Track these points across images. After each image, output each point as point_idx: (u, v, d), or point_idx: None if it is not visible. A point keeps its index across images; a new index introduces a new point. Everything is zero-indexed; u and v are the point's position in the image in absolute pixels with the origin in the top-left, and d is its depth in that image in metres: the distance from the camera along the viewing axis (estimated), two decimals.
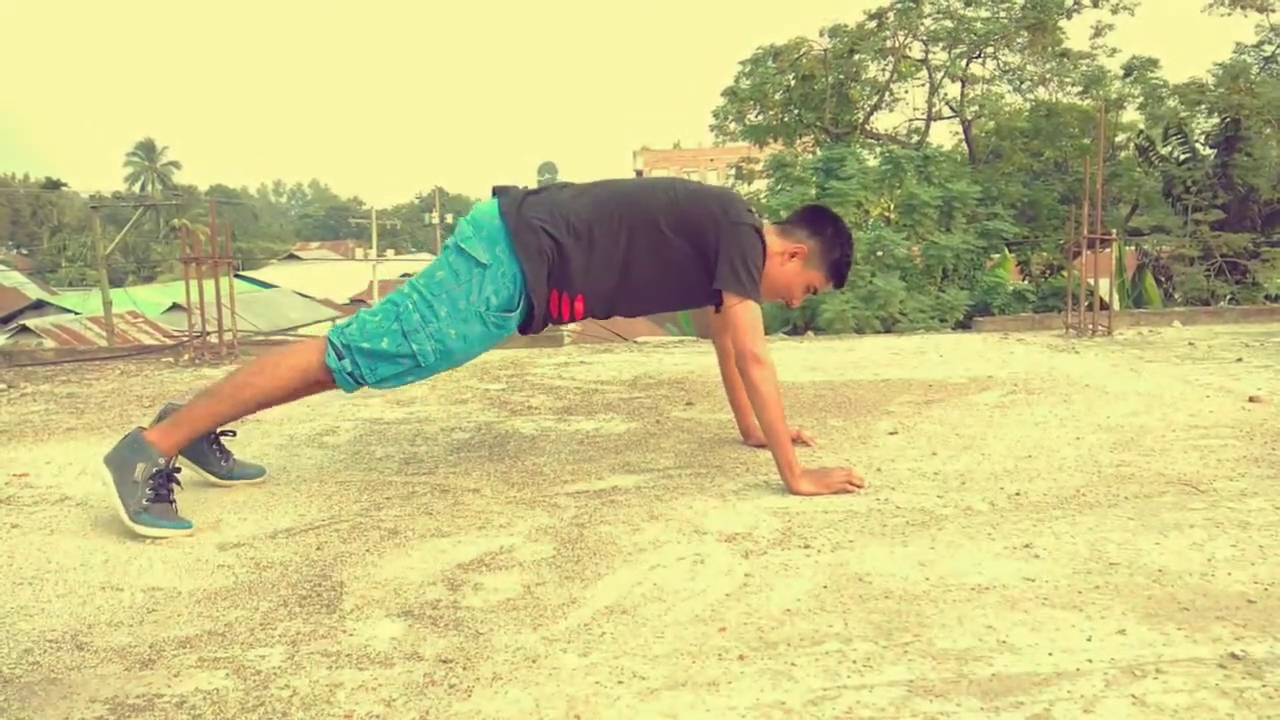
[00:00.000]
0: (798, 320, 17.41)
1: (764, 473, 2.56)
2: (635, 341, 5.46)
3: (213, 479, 2.52)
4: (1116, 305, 16.76)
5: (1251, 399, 3.26)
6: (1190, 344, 4.64)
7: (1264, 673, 1.40)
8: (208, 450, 2.50)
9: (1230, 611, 1.61)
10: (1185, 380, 3.71)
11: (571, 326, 8.97)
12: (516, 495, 2.41)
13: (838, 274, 2.54)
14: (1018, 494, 2.30)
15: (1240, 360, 4.11)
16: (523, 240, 2.29)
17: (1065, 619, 1.60)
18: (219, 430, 2.47)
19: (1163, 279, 16.00)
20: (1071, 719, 1.28)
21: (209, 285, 4.99)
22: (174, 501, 2.20)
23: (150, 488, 2.15)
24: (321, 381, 2.35)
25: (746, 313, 2.34)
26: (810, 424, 3.15)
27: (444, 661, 1.50)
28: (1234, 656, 1.45)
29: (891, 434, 2.97)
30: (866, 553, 1.93)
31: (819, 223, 2.55)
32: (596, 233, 2.33)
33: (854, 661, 1.46)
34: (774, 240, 2.50)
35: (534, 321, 2.38)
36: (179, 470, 2.29)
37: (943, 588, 1.74)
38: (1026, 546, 1.95)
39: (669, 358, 4.77)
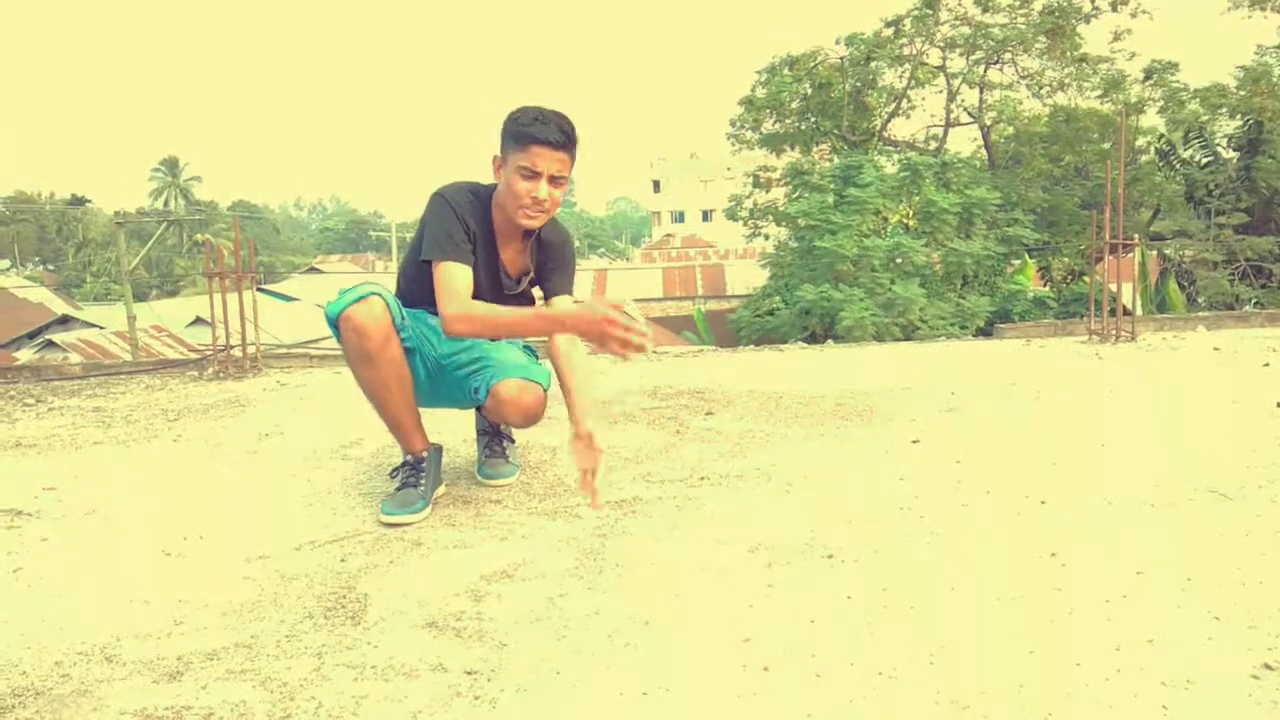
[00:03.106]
0: (816, 328, 17.37)
1: (784, 481, 2.55)
2: (654, 351, 5.46)
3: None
4: (1139, 311, 16.61)
5: (1279, 405, 3.22)
6: (1216, 349, 4.59)
7: None
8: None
9: (1264, 620, 1.59)
10: (1212, 386, 3.67)
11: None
12: (538, 506, 2.42)
13: (513, 138, 2.26)
14: (1043, 502, 2.28)
15: (1268, 365, 4.06)
16: None
17: (1093, 630, 1.58)
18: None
19: (1186, 283, 15.84)
20: None
21: (232, 299, 5.03)
22: (418, 488, 2.42)
23: (394, 478, 2.46)
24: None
25: (437, 274, 2.27)
26: (831, 433, 3.14)
27: (469, 673, 1.50)
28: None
29: (915, 442, 2.95)
30: (890, 563, 1.92)
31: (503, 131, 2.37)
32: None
33: (880, 674, 1.45)
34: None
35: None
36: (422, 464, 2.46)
37: (969, 598, 1.73)
38: (1053, 555, 1.93)
39: (689, 367, 4.76)
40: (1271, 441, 2.79)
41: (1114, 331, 4.85)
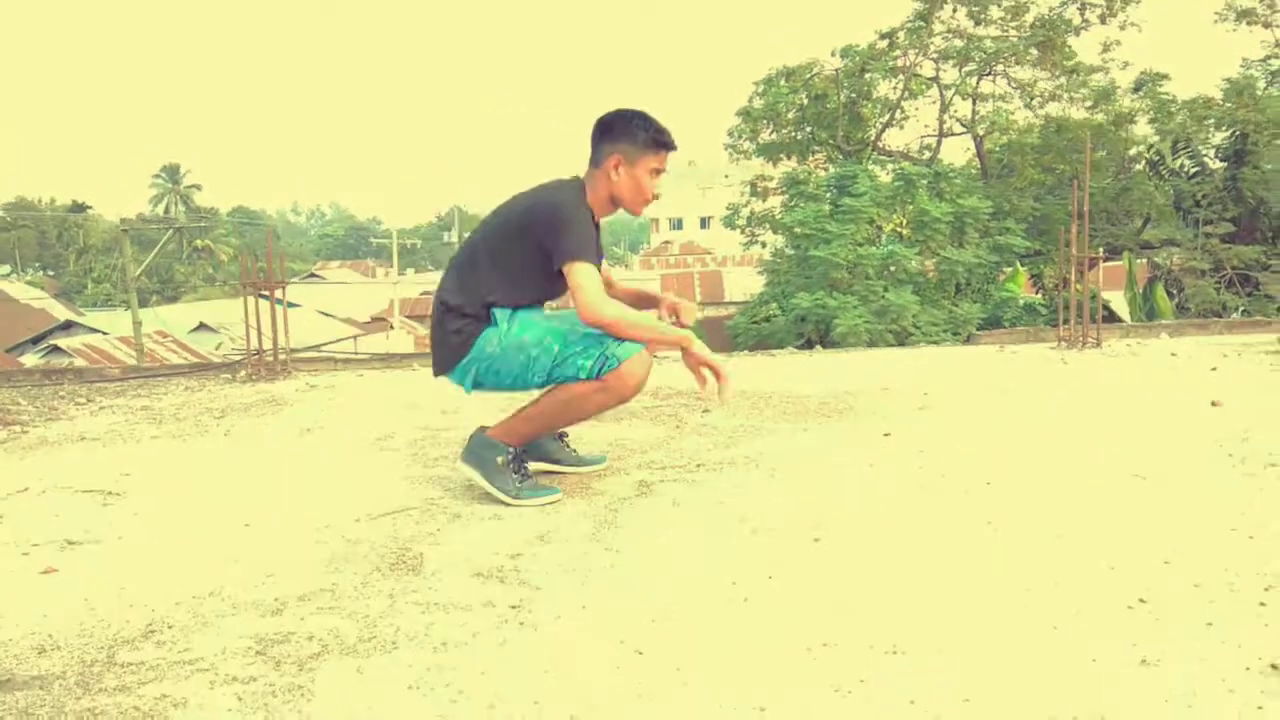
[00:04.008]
0: (812, 334, 17.75)
1: (770, 467, 2.94)
2: (655, 355, 5.84)
3: (565, 469, 2.97)
4: (1128, 318, 17.01)
5: (1213, 403, 3.62)
6: (1173, 355, 4.99)
7: None
8: (555, 448, 2.99)
9: (1151, 569, 1.99)
10: (1159, 387, 4.07)
11: None
12: (559, 486, 2.80)
13: (657, 142, 2.72)
14: (989, 484, 2.68)
15: (1215, 369, 4.46)
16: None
17: (1011, 577, 1.97)
18: (559, 432, 2.98)
19: (1174, 291, 16.25)
20: (1008, 670, 1.66)
21: (254, 305, 5.42)
22: (532, 475, 2.73)
23: (514, 470, 2.66)
24: (623, 396, 2.71)
25: (576, 275, 2.57)
26: (814, 427, 3.53)
27: (513, 607, 1.90)
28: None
29: (886, 435, 3.34)
30: (854, 530, 2.31)
31: (606, 129, 2.73)
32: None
33: (835, 608, 1.85)
34: (593, 174, 2.74)
35: None
36: (524, 454, 2.76)
37: (914, 556, 2.12)
38: (989, 524, 2.33)
39: (685, 370, 5.15)
40: (1198, 434, 3.18)
41: (1081, 338, 5.25)
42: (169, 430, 3.94)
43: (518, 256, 2.69)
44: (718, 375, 2.64)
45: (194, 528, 2.53)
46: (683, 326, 2.82)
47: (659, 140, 2.73)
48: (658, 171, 2.77)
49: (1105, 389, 4.12)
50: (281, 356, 5.42)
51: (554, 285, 2.73)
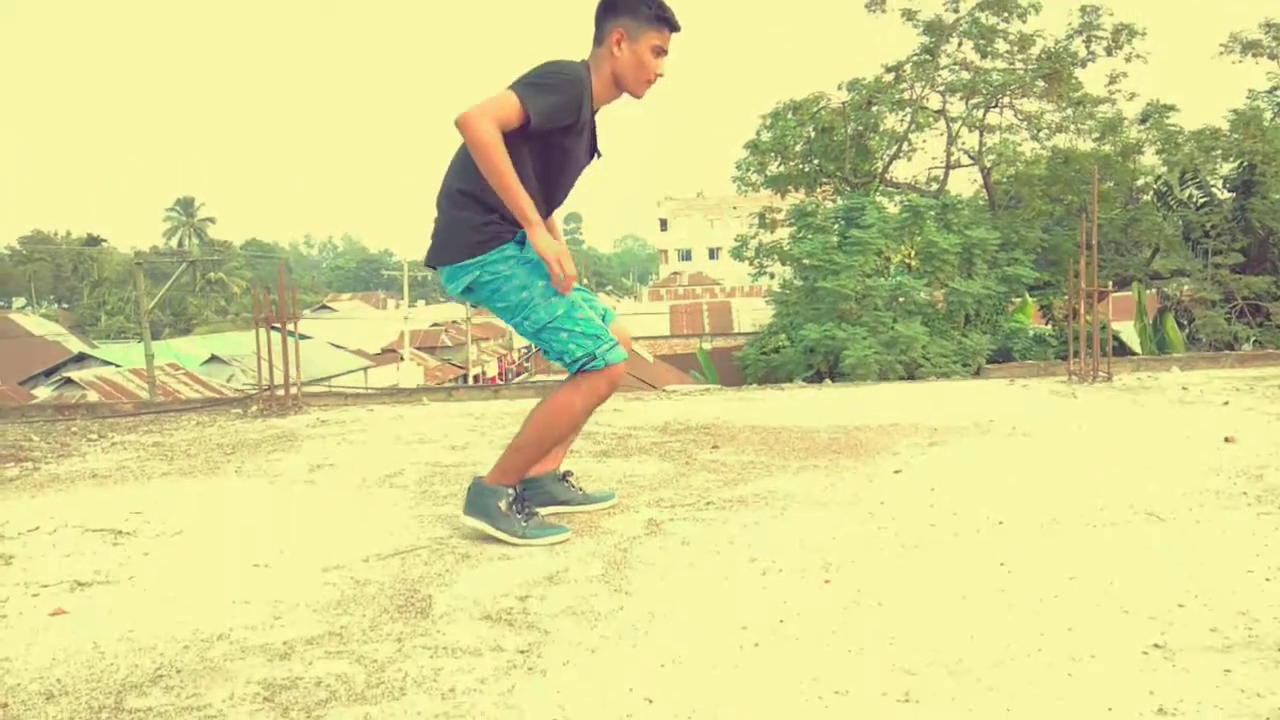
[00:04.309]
0: (821, 365, 17.72)
1: (780, 505, 2.93)
2: (664, 390, 5.85)
3: (573, 508, 2.93)
4: (1139, 349, 16.94)
5: (1226, 439, 3.59)
6: (1184, 388, 4.96)
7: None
8: (560, 489, 2.95)
9: (1163, 613, 1.96)
10: (1170, 424, 4.04)
11: None
12: (570, 527, 2.79)
13: (660, 17, 2.63)
14: (1001, 523, 2.66)
15: (1227, 404, 4.43)
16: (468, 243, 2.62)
17: (1024, 620, 1.95)
18: (563, 473, 2.97)
19: (1185, 322, 16.20)
20: (1048, 693, 1.64)
21: (260, 336, 5.44)
22: (538, 514, 2.71)
23: (518, 511, 2.65)
24: (604, 396, 2.68)
25: (505, 97, 2.47)
26: (824, 464, 3.52)
27: (521, 652, 1.88)
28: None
29: (896, 472, 3.33)
30: (866, 570, 2.30)
31: (610, 4, 2.66)
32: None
33: (848, 650, 1.83)
34: (596, 53, 2.67)
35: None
36: (525, 493, 2.76)
37: (927, 596, 2.10)
38: (1002, 564, 2.31)
39: (697, 405, 5.15)
40: (1209, 472, 3.16)
41: (1092, 372, 5.23)
42: (180, 467, 3.95)
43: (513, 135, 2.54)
44: (553, 271, 2.54)
45: (203, 567, 2.53)
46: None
47: (662, 16, 2.64)
48: (661, 50, 2.67)
49: (1116, 424, 4.10)
50: (293, 391, 5.44)
51: (549, 177, 2.65)
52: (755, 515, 2.83)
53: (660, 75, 2.70)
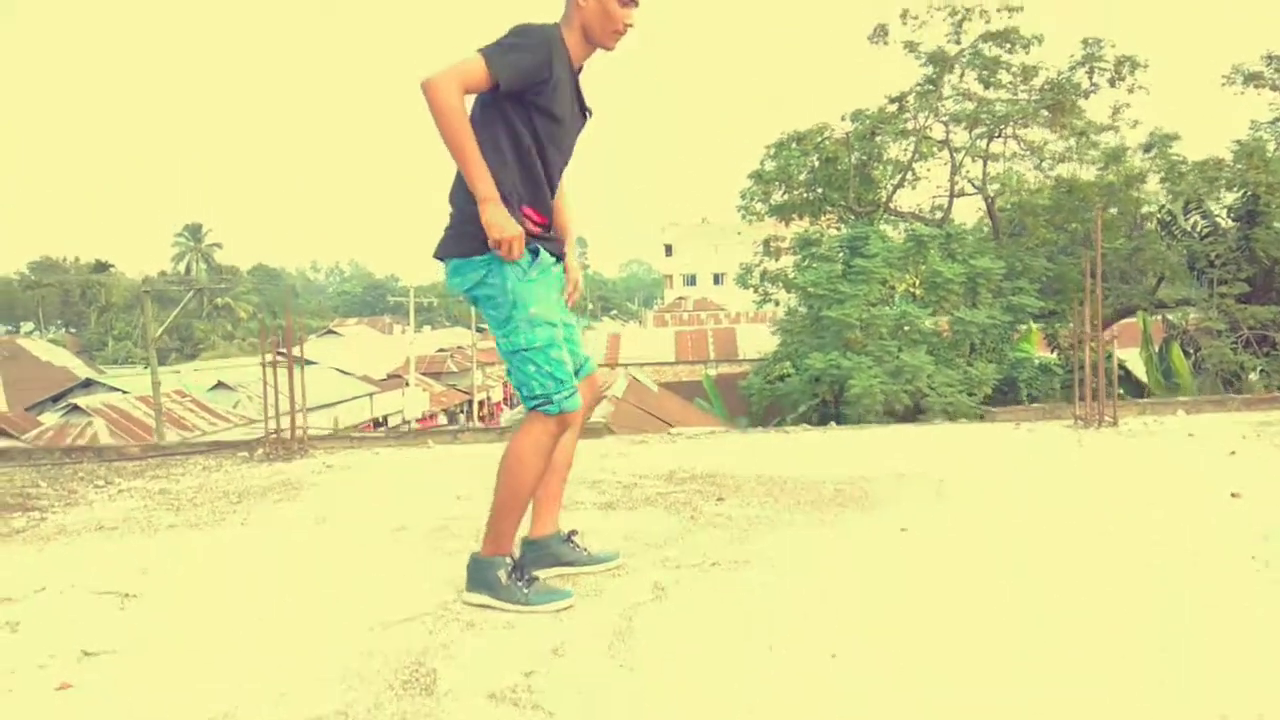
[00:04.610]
0: (826, 394, 17.68)
1: (786, 568, 2.93)
2: (670, 432, 5.85)
3: (578, 569, 2.93)
4: (1144, 377, 16.87)
5: (1233, 494, 3.58)
6: (1190, 435, 4.95)
7: None
8: (565, 550, 2.95)
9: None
10: (1176, 475, 4.03)
11: (605, 411, 9.32)
12: (574, 590, 2.79)
13: None
14: (1008, 595, 2.65)
15: (1233, 453, 4.42)
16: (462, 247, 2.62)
17: (1037, 707, 1.95)
18: (568, 532, 2.98)
19: (1191, 350, 16.17)
20: None
21: (274, 381, 5.46)
22: (538, 579, 2.69)
23: (518, 579, 2.64)
24: (556, 436, 2.70)
25: (471, 61, 2.47)
26: (830, 519, 3.51)
27: None
28: None
29: (903, 530, 3.32)
30: (872, 644, 2.29)
31: None
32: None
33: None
34: (567, 7, 2.64)
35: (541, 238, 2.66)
36: (522, 558, 2.77)
37: (933, 674, 2.10)
38: (1009, 638, 2.30)
39: (702, 450, 5.15)
40: (1218, 534, 3.14)
41: (1098, 417, 5.22)
42: (186, 518, 3.95)
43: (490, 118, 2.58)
44: (496, 247, 2.53)
45: (209, 635, 2.53)
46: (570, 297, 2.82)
47: None
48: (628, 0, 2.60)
49: (1122, 478, 4.08)
50: (298, 434, 5.45)
51: (540, 143, 2.62)
52: (761, 579, 2.83)
53: (630, 26, 2.64)
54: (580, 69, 2.73)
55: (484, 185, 2.50)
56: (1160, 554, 2.92)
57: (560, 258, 2.80)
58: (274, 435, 5.39)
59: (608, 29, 2.63)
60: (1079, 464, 4.35)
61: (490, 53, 2.50)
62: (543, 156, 2.66)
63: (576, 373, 2.82)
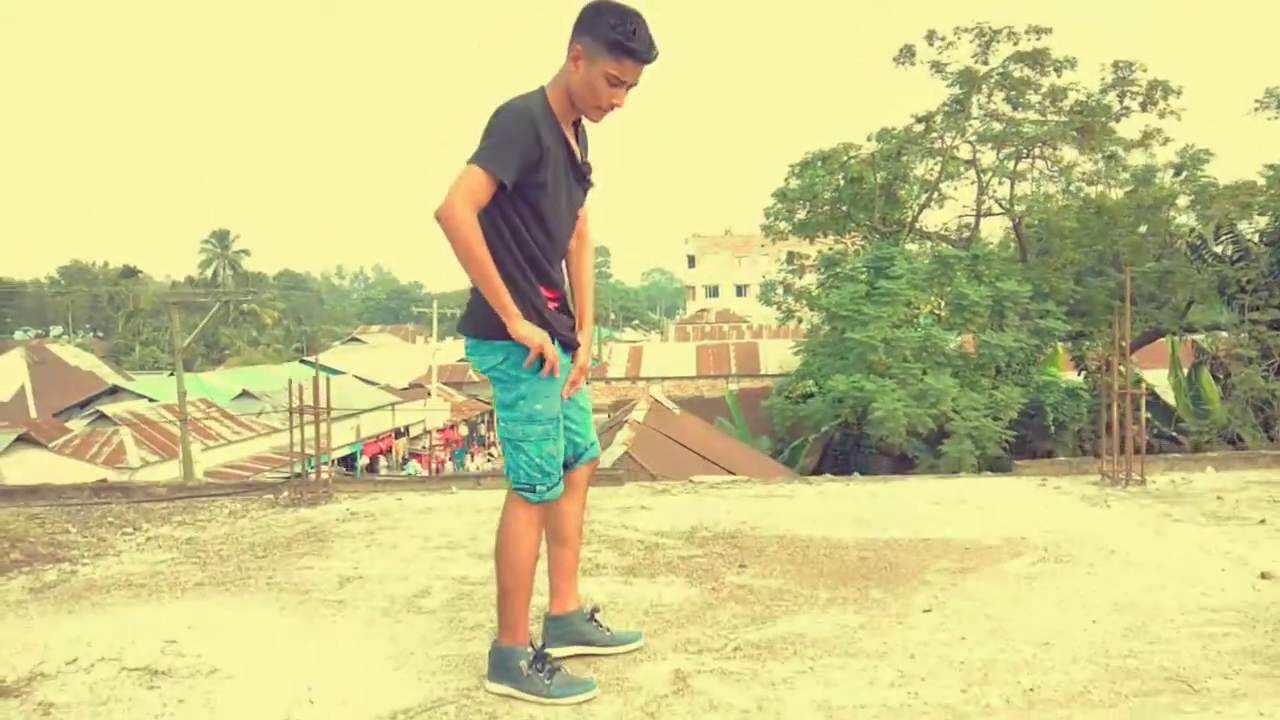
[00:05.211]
0: (849, 416, 17.62)
1: (809, 656, 2.92)
2: (692, 480, 5.85)
3: (599, 650, 2.94)
4: (1173, 401, 16.64)
5: (1263, 575, 3.53)
6: (1219, 498, 4.89)
7: None
8: (588, 629, 2.97)
9: None
10: (1204, 549, 3.98)
11: (625, 437, 9.31)
12: (594, 674, 2.79)
13: (619, 44, 2.42)
14: (1031, 690, 2.63)
15: (1263, 522, 4.36)
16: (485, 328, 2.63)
17: None
18: (590, 610, 2.99)
19: (1220, 376, 15.95)
20: None
21: (300, 431, 5.51)
22: (562, 667, 2.70)
23: (539, 669, 2.64)
24: (541, 515, 2.73)
25: (469, 173, 2.44)
26: (853, 595, 3.50)
27: None
28: None
29: (926, 611, 3.30)
30: None
31: (580, 17, 2.50)
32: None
33: None
34: (563, 65, 2.55)
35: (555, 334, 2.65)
36: (545, 648, 2.77)
37: None
38: None
39: (723, 503, 5.15)
40: (1245, 622, 3.11)
41: (1125, 475, 5.17)
42: (213, 575, 3.99)
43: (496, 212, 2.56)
44: (535, 356, 2.57)
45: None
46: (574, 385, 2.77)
47: (624, 45, 2.41)
48: (617, 80, 2.47)
49: (1148, 550, 4.01)
50: (324, 478, 5.50)
51: (543, 220, 2.59)
52: (784, 670, 2.82)
53: (616, 106, 2.54)
54: (577, 121, 2.69)
55: (507, 304, 2.53)
56: (1188, 648, 2.88)
57: (572, 346, 2.80)
58: (299, 479, 5.44)
59: (590, 104, 2.56)
60: (1107, 531, 4.30)
61: (484, 160, 2.47)
62: (543, 226, 2.63)
63: (578, 458, 2.88)
